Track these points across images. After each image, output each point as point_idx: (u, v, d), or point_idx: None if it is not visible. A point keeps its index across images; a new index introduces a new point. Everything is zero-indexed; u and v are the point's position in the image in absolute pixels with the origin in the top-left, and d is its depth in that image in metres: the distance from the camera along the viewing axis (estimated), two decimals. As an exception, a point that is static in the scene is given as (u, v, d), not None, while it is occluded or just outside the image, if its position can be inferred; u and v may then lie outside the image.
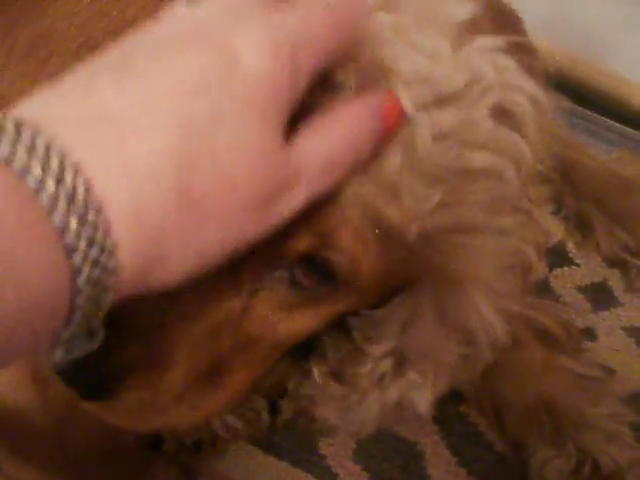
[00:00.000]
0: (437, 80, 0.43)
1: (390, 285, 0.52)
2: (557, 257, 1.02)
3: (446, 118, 0.43)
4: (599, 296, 1.00)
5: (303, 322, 0.51)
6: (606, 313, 0.98)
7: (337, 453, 0.80)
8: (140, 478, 0.74)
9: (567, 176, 1.04)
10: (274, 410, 0.78)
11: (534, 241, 0.52)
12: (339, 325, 0.56)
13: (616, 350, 0.95)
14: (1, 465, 0.67)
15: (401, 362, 0.56)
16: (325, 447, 0.80)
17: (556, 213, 1.04)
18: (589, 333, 0.95)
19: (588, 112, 1.19)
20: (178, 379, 0.49)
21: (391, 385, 0.57)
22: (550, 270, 1.00)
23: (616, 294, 1.01)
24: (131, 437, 0.72)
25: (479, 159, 0.45)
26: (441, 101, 0.43)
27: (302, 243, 0.46)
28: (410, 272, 0.51)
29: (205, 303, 0.48)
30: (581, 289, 1.00)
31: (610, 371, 0.91)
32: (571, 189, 1.05)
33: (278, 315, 0.50)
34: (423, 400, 0.57)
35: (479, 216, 0.47)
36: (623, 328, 0.97)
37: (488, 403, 0.83)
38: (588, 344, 0.93)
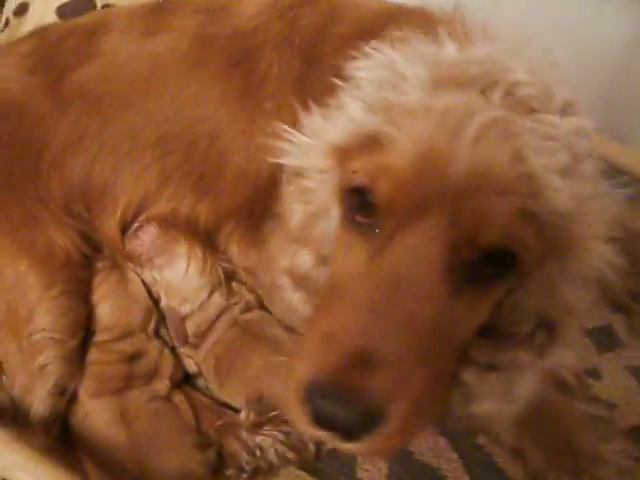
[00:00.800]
0: None
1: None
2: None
3: None
4: (603, 338, 1.13)
5: (483, 313, 0.68)
6: (610, 354, 1.12)
7: (372, 477, 0.94)
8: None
9: None
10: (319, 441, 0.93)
11: None
12: None
13: (619, 388, 1.08)
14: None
15: (551, 330, 0.72)
16: (361, 472, 0.93)
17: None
18: (594, 373, 1.09)
19: None
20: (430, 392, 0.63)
21: (548, 352, 0.73)
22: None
23: (620, 336, 1.14)
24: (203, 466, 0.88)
25: None
26: None
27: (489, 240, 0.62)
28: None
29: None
30: (587, 332, 1.13)
31: (612, 406, 1.05)
32: None
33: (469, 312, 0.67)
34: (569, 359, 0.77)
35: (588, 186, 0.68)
36: (625, 368, 1.11)
37: (509, 438, 0.97)
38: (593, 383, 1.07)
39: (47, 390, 0.88)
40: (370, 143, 0.66)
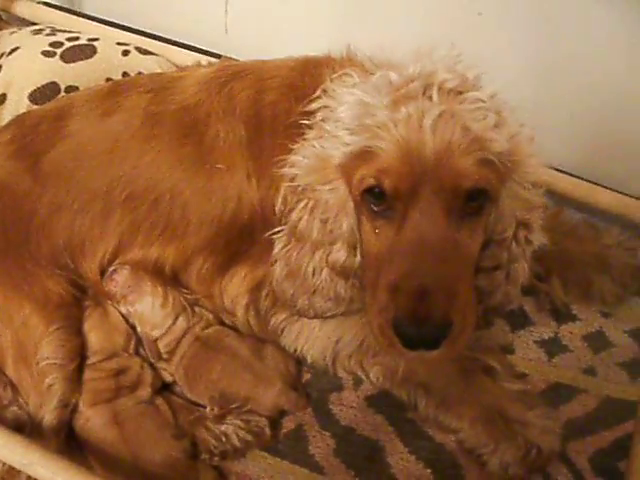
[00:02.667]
0: None
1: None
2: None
3: None
4: (516, 319, 1.38)
5: (480, 234, 1.02)
6: (522, 331, 1.37)
7: (322, 452, 1.19)
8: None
9: None
10: (274, 425, 1.20)
11: None
12: None
13: (529, 359, 1.33)
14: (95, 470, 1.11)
15: (525, 224, 1.09)
16: (313, 448, 1.19)
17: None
18: (508, 349, 1.34)
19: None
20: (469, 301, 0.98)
21: (530, 239, 1.10)
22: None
23: (529, 315, 1.39)
24: (182, 453, 1.14)
25: None
26: None
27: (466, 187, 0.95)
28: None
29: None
30: (502, 315, 1.37)
31: (523, 375, 1.29)
32: None
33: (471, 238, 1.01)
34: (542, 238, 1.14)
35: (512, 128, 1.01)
36: (535, 342, 1.35)
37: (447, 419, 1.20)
38: (508, 357, 1.32)
39: (54, 404, 1.13)
40: (365, 155, 0.97)
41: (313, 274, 1.09)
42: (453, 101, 0.96)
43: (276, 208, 1.11)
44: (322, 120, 1.06)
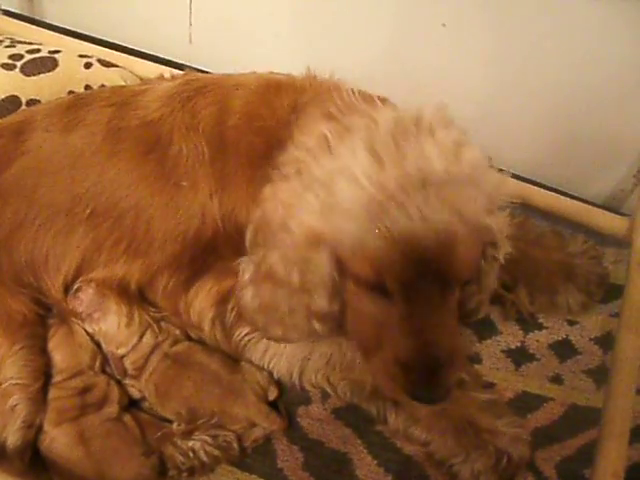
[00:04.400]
0: None
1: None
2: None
3: None
4: (483, 328, 1.41)
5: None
6: (489, 341, 1.41)
7: (291, 465, 1.22)
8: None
9: None
10: (241, 439, 1.22)
11: None
12: None
13: (497, 369, 1.36)
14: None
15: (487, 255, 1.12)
16: (281, 462, 1.22)
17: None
18: (476, 358, 1.37)
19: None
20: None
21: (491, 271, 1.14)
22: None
23: (496, 324, 1.42)
24: (150, 470, 1.16)
25: None
26: None
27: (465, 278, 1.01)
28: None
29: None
30: (469, 325, 1.40)
31: (491, 384, 1.33)
32: None
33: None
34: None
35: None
36: (502, 351, 1.39)
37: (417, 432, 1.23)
38: (475, 367, 1.35)
39: (18, 425, 1.13)
40: (359, 245, 0.94)
41: (290, 314, 1.08)
42: (447, 185, 0.94)
43: (246, 240, 1.10)
44: (296, 173, 1.03)
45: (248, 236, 1.09)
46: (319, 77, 1.24)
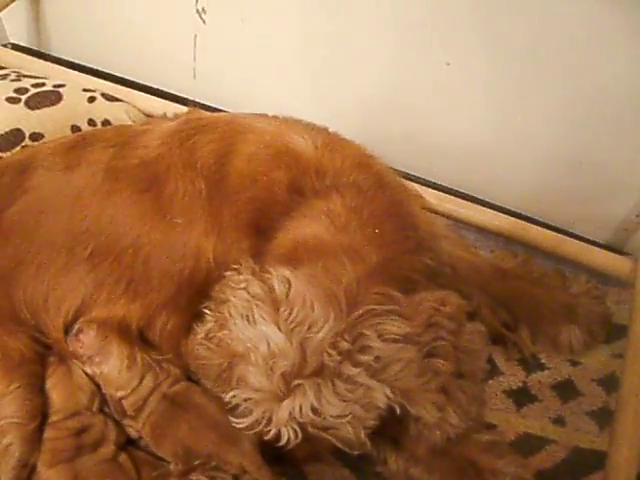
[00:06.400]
0: None
1: None
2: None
3: None
4: (485, 368, 1.40)
5: None
6: (490, 381, 1.40)
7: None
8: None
9: (455, 270, 1.40)
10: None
11: None
12: None
13: (498, 409, 1.36)
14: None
15: None
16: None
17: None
18: (477, 399, 1.36)
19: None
20: None
21: None
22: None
23: (498, 365, 1.42)
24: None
25: None
26: None
27: None
28: None
29: None
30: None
31: (492, 426, 1.33)
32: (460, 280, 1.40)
33: None
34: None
35: None
36: (504, 391, 1.39)
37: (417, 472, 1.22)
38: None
39: (11, 465, 1.13)
40: None
41: None
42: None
43: None
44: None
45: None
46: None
